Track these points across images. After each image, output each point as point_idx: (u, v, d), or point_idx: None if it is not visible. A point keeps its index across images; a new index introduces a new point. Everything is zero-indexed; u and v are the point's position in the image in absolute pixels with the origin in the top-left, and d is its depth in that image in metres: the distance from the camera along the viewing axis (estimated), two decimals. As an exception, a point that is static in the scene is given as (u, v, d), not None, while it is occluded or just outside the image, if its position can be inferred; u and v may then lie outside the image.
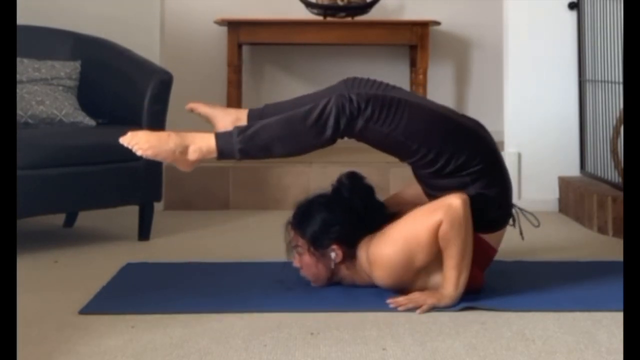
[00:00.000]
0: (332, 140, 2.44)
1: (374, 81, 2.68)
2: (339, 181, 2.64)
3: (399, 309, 2.40)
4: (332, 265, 2.56)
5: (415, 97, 2.67)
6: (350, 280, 2.61)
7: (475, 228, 2.47)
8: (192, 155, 2.46)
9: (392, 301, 2.43)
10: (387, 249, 2.45)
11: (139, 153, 2.42)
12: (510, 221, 2.63)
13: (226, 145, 2.45)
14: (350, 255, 2.56)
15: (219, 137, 2.46)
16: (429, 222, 2.41)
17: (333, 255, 2.55)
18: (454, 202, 2.40)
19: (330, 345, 2.12)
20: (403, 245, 2.43)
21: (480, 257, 2.54)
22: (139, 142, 2.42)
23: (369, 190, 2.65)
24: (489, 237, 2.57)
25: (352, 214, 2.57)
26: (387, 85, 2.67)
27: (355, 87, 2.63)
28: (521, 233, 2.71)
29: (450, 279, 2.42)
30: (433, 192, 2.53)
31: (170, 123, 3.51)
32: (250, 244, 3.36)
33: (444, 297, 2.41)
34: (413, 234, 2.43)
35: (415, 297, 2.43)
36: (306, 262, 2.59)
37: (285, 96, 3.06)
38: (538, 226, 2.73)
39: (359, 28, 5.20)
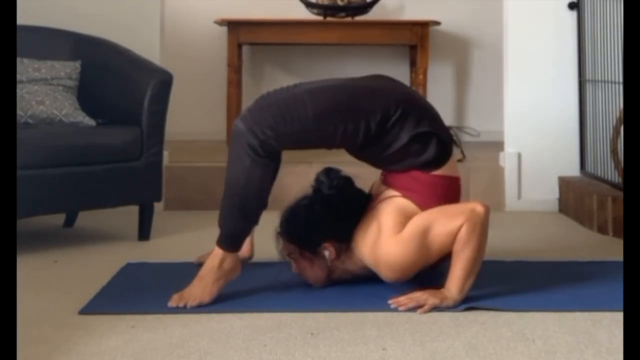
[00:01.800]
0: (263, 165, 2.46)
1: (275, 90, 2.65)
2: (317, 180, 2.64)
3: (400, 309, 2.40)
4: (328, 263, 2.56)
5: (314, 83, 2.65)
6: (350, 274, 2.61)
7: (429, 167, 2.51)
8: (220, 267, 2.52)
9: (393, 301, 2.43)
10: (398, 248, 2.45)
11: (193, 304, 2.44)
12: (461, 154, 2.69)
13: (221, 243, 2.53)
14: (343, 249, 2.56)
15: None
16: (450, 226, 2.42)
17: (327, 253, 2.55)
18: (477, 207, 2.43)
19: (330, 345, 2.12)
20: (418, 244, 2.44)
21: (449, 192, 2.58)
22: (187, 298, 2.44)
23: (347, 181, 2.64)
24: (445, 170, 2.57)
25: (335, 209, 2.57)
26: (289, 86, 2.65)
27: (256, 116, 2.56)
28: (462, 152, 2.74)
29: (456, 281, 2.42)
30: (387, 165, 2.57)
31: (170, 123, 3.51)
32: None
33: (446, 299, 2.42)
34: (431, 236, 2.44)
35: (416, 296, 2.43)
36: (302, 267, 2.60)
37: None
38: (478, 136, 2.76)
39: (359, 28, 5.20)
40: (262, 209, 2.56)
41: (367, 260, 2.53)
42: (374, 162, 2.64)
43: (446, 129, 2.64)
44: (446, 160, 2.59)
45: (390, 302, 2.43)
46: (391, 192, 2.59)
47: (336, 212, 2.57)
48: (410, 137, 2.51)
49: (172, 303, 2.43)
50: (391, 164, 2.59)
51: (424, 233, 2.45)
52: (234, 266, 2.52)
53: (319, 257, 2.57)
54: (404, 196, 2.56)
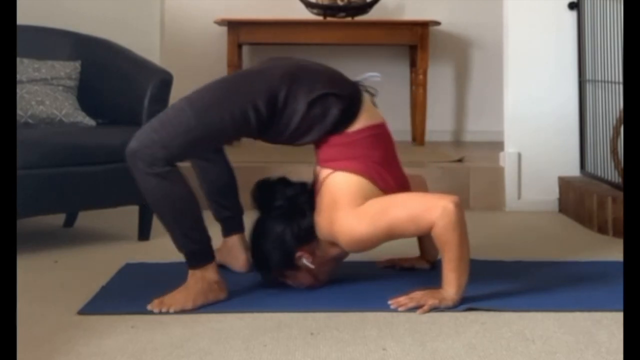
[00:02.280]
0: (170, 176, 2.44)
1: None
2: (254, 200, 2.61)
3: (400, 309, 2.40)
4: (312, 267, 2.55)
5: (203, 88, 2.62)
6: (338, 259, 2.62)
7: (341, 126, 2.50)
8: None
9: (393, 302, 2.43)
10: (362, 226, 2.42)
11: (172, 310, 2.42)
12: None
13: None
14: (315, 246, 2.54)
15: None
16: (421, 221, 2.39)
17: (304, 261, 2.54)
18: (448, 206, 2.38)
19: (330, 345, 2.12)
20: (384, 229, 2.41)
21: (378, 141, 2.55)
22: (169, 303, 2.43)
23: (280, 184, 2.61)
24: (363, 123, 2.54)
25: (286, 217, 2.54)
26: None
27: (138, 137, 2.52)
28: (373, 101, 2.68)
29: (451, 282, 2.42)
30: (299, 140, 2.55)
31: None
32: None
33: (445, 299, 2.41)
34: (399, 224, 2.40)
35: (417, 296, 2.43)
36: (294, 280, 2.60)
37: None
38: (379, 79, 2.71)
39: (359, 28, 5.20)
40: (200, 212, 2.52)
41: (329, 237, 2.51)
42: (286, 141, 2.58)
43: (347, 84, 2.58)
44: (356, 113, 2.54)
45: (390, 302, 2.43)
46: (325, 172, 2.54)
47: (290, 222, 2.53)
48: (307, 104, 2.47)
49: (152, 307, 2.40)
50: (302, 138, 2.53)
51: (392, 219, 2.40)
52: (217, 279, 2.49)
53: (302, 266, 2.56)
54: (337, 170, 2.51)
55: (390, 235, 2.44)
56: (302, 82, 2.50)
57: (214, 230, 2.74)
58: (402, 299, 2.43)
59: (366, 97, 2.63)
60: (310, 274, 2.58)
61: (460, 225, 2.41)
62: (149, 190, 2.46)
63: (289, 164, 4.09)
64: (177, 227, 2.49)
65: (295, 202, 2.56)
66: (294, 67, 2.57)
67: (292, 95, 2.48)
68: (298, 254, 2.53)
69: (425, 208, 2.40)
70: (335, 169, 2.52)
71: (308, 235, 2.54)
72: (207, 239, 2.53)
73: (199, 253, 2.50)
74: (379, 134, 2.59)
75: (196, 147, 2.52)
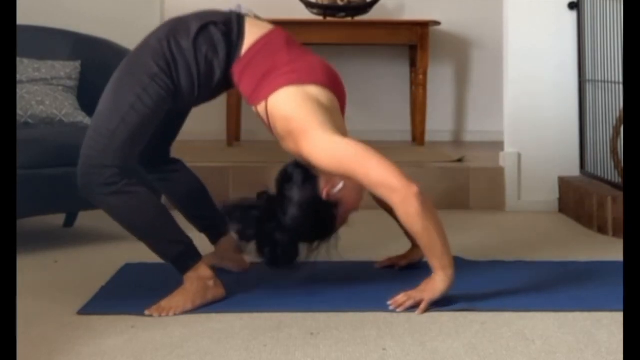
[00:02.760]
0: (127, 192, 2.43)
1: None
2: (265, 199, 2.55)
3: (398, 310, 2.39)
4: (342, 186, 2.47)
5: None
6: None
7: (235, 51, 2.48)
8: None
9: (392, 302, 2.42)
10: (325, 158, 2.37)
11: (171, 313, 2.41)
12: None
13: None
14: (323, 176, 2.46)
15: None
16: (381, 190, 2.37)
17: (335, 190, 2.46)
18: (411, 199, 2.33)
19: (330, 345, 2.12)
20: (346, 168, 2.37)
21: (276, 44, 2.53)
22: (168, 308, 2.41)
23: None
24: (253, 37, 2.52)
25: (277, 197, 2.49)
26: None
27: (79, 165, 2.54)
28: (256, 16, 2.65)
29: (436, 267, 2.40)
30: (212, 89, 2.54)
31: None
32: (249, 243, 3.35)
33: (437, 287, 2.39)
34: (365, 165, 2.36)
35: (412, 294, 2.42)
36: (344, 215, 2.52)
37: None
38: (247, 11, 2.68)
39: (359, 28, 5.20)
40: (170, 214, 2.50)
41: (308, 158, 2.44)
42: (208, 94, 2.57)
43: (218, 13, 2.56)
44: (240, 32, 2.52)
45: (389, 303, 2.42)
46: (261, 107, 2.50)
47: (287, 188, 2.47)
48: (192, 45, 2.46)
49: (150, 312, 2.39)
50: (212, 80, 2.50)
51: (357, 166, 2.36)
52: (211, 275, 2.48)
53: (338, 199, 2.47)
54: (267, 97, 2.47)
55: (356, 165, 2.37)
56: (178, 31, 2.50)
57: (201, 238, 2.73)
58: (400, 298, 2.42)
59: (247, 17, 2.60)
60: (347, 198, 2.49)
61: (424, 214, 2.35)
62: (114, 210, 2.46)
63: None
64: (154, 236, 2.49)
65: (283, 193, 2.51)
66: (163, 26, 2.57)
67: (176, 47, 2.46)
68: (324, 195, 2.45)
69: (391, 185, 2.35)
70: (265, 97, 2.47)
71: (310, 175, 2.46)
72: (188, 238, 2.51)
73: (185, 254, 2.48)
74: (273, 39, 2.56)
75: (134, 140, 2.45)
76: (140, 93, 2.43)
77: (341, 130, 2.47)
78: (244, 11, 2.64)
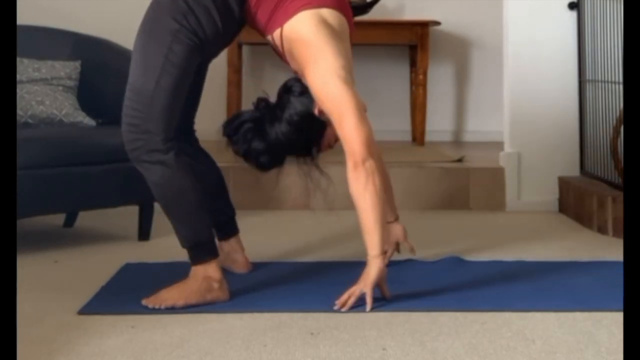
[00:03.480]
0: (174, 164, 2.44)
1: None
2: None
3: (343, 310, 2.38)
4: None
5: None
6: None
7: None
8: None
9: (338, 303, 2.41)
10: (319, 90, 2.43)
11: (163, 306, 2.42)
12: None
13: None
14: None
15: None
16: (346, 146, 2.40)
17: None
18: (361, 169, 2.38)
19: (330, 345, 2.12)
20: (329, 107, 2.42)
21: None
22: (162, 300, 2.42)
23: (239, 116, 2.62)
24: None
25: (275, 106, 2.55)
26: None
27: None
28: None
29: (367, 247, 2.41)
30: (233, 27, 2.56)
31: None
32: (250, 243, 3.35)
33: (370, 271, 2.40)
34: (338, 121, 2.41)
35: (352, 290, 2.42)
36: (328, 144, 2.59)
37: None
38: None
39: (359, 28, 5.16)
40: (205, 205, 2.52)
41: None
42: (231, 34, 2.59)
43: None
44: None
45: (336, 305, 2.40)
46: (276, 34, 2.53)
47: (285, 101, 2.54)
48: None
49: (147, 302, 2.41)
50: (232, 18, 2.52)
51: (342, 108, 2.40)
52: (219, 278, 2.48)
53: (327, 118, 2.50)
54: (283, 24, 2.50)
55: (338, 110, 2.41)
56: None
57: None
58: (344, 297, 2.41)
59: None
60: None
61: (365, 189, 2.38)
62: (155, 181, 2.47)
63: (289, 163, 4.08)
64: (182, 218, 2.49)
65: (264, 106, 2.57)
66: None
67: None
68: (316, 110, 2.51)
69: (353, 147, 2.38)
70: (280, 25, 2.51)
71: (308, 91, 2.50)
72: (212, 235, 2.54)
73: (203, 246, 2.49)
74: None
75: (173, 102, 2.46)
76: (167, 54, 2.44)
77: (346, 57, 2.51)
78: None
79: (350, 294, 2.41)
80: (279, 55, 2.61)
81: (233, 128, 2.56)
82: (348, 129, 2.40)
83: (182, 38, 2.44)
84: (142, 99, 2.43)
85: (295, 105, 2.52)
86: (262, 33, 2.61)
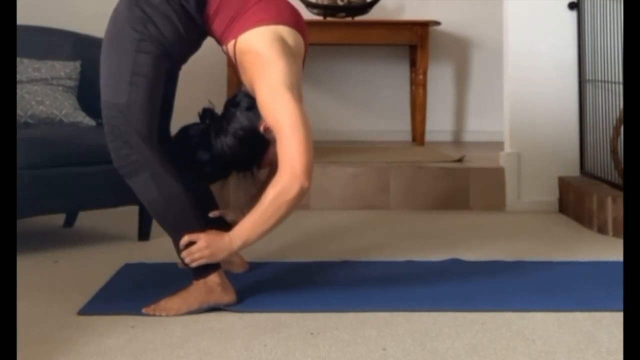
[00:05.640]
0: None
1: None
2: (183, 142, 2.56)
3: (193, 264, 2.39)
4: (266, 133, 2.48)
5: None
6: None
7: None
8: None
9: (185, 255, 2.41)
10: (265, 102, 2.38)
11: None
12: None
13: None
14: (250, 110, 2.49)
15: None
16: (284, 162, 2.33)
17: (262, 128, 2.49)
18: (295, 191, 2.31)
19: (330, 345, 2.12)
20: (272, 121, 2.37)
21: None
22: (163, 309, 2.40)
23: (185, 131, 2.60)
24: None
25: (221, 118, 2.53)
26: None
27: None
28: None
29: (237, 233, 2.38)
30: (195, 36, 2.56)
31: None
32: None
33: (223, 250, 2.39)
34: (280, 136, 2.35)
35: (193, 250, 2.40)
36: (268, 162, 2.55)
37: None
38: None
39: (359, 28, 5.20)
40: (199, 215, 2.47)
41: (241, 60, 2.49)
42: (194, 41, 2.58)
43: None
44: None
45: (186, 259, 2.40)
46: (230, 45, 2.52)
47: (230, 115, 2.51)
48: (162, 0, 2.45)
49: (147, 311, 2.39)
50: (194, 27, 2.51)
51: (286, 124, 2.34)
52: (220, 281, 2.45)
53: (274, 136, 2.45)
54: (238, 36, 2.48)
55: (282, 126, 2.35)
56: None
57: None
58: (193, 249, 2.40)
59: None
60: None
61: (284, 207, 2.33)
62: (146, 194, 2.45)
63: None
64: (179, 235, 2.45)
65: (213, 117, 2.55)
66: None
67: (147, 7, 2.45)
68: (261, 128, 2.48)
69: (293, 166, 2.31)
70: (235, 37, 2.50)
71: (255, 108, 2.46)
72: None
73: (205, 265, 2.43)
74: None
75: (149, 114, 2.44)
76: (133, 65, 2.42)
77: (297, 75, 2.49)
78: None
79: (197, 250, 2.39)
80: (232, 65, 2.58)
81: (180, 144, 2.53)
82: (288, 146, 2.32)
83: (145, 47, 2.43)
84: (117, 113, 2.42)
85: (241, 119, 2.49)
86: (218, 42, 2.60)
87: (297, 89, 2.43)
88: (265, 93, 2.39)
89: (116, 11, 2.54)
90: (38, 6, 4.02)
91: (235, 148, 2.49)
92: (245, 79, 2.52)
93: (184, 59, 2.63)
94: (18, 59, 3.48)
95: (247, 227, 2.37)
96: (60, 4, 4.11)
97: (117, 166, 2.48)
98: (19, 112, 3.37)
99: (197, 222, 2.46)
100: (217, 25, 2.52)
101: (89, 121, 3.47)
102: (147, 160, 2.43)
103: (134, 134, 2.42)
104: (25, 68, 3.50)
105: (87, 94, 3.59)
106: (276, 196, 2.31)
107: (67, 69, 3.58)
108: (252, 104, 2.49)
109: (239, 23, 2.50)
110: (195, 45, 2.63)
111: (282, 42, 2.48)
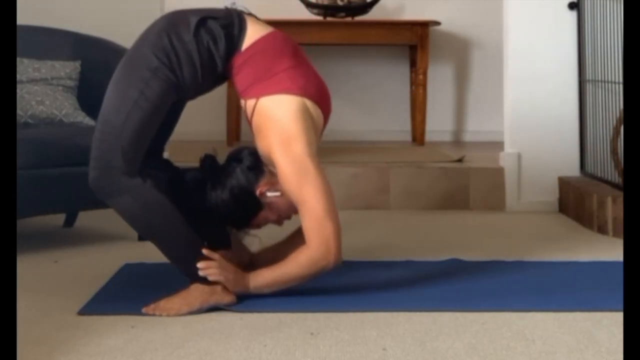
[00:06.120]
0: (142, 186, 2.40)
1: None
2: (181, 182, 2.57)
3: (210, 277, 2.39)
4: (279, 193, 2.48)
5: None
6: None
7: (234, 46, 2.49)
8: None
9: (202, 266, 2.40)
10: (289, 174, 2.40)
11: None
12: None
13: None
14: (270, 177, 2.49)
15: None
16: (315, 235, 2.38)
17: (270, 193, 2.49)
18: (328, 261, 2.39)
19: (330, 345, 2.12)
20: (297, 195, 2.39)
21: (277, 47, 2.54)
22: (163, 309, 2.40)
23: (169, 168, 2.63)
24: (254, 35, 2.53)
25: (221, 172, 2.51)
26: None
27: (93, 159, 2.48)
28: (252, 14, 2.65)
29: (263, 280, 2.42)
30: (214, 77, 2.54)
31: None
32: (249, 243, 3.35)
33: (243, 283, 2.42)
34: (309, 209, 2.38)
35: (223, 270, 2.41)
36: (269, 219, 2.56)
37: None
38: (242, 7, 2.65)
39: (359, 28, 5.20)
40: (184, 224, 2.45)
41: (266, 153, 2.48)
42: (208, 85, 2.57)
43: (218, 10, 2.56)
44: (242, 27, 2.52)
45: (201, 268, 2.39)
46: (250, 103, 2.51)
47: (231, 171, 2.50)
48: (193, 37, 2.45)
49: (147, 310, 2.38)
50: (213, 72, 2.51)
51: (315, 196, 2.38)
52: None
53: (269, 202, 2.50)
54: (260, 97, 2.48)
55: (298, 204, 2.40)
56: (177, 25, 2.48)
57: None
58: (213, 264, 2.40)
59: (246, 14, 2.60)
60: (282, 204, 2.51)
61: (318, 271, 2.41)
62: (128, 213, 2.43)
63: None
64: (169, 245, 2.45)
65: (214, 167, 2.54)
66: (163, 19, 2.56)
67: (177, 40, 2.45)
68: (258, 191, 2.49)
69: (328, 243, 2.38)
70: (257, 96, 2.49)
71: (258, 169, 2.49)
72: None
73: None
74: (276, 41, 2.57)
75: (141, 137, 2.43)
76: (143, 88, 2.42)
77: (317, 148, 2.50)
78: (239, 8, 2.64)
79: (221, 272, 2.40)
80: (247, 120, 2.57)
81: (175, 188, 2.52)
82: (327, 225, 2.38)
83: (160, 75, 2.43)
84: (109, 130, 2.41)
85: (240, 177, 2.48)
86: (238, 94, 2.59)
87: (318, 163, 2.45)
88: (291, 166, 2.40)
89: (144, 37, 2.53)
90: (38, 6, 4.02)
91: (228, 204, 2.48)
92: (260, 141, 2.49)
93: (192, 97, 2.62)
94: (18, 59, 3.48)
95: (267, 277, 2.43)
96: (60, 4, 4.11)
97: (94, 186, 2.44)
98: (19, 112, 3.37)
99: (184, 228, 2.44)
100: (241, 78, 2.52)
101: (89, 121, 3.47)
102: (126, 180, 2.40)
103: (117, 158, 2.38)
104: (25, 68, 3.50)
105: (87, 94, 3.58)
106: (305, 264, 2.39)
107: (67, 69, 3.57)
108: (254, 164, 2.50)
109: (263, 84, 2.49)
110: (208, 89, 2.62)
111: (306, 113, 2.48)
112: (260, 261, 2.62)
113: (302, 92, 2.50)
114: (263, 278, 2.43)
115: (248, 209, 2.51)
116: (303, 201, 2.39)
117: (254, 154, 2.52)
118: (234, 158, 2.55)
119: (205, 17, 2.50)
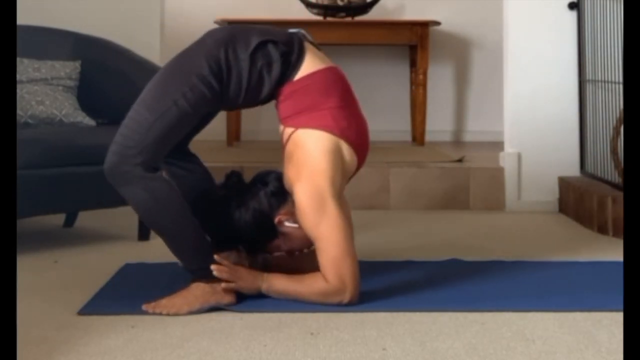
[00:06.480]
0: (156, 181, 2.41)
1: None
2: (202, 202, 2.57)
3: (216, 273, 2.39)
4: (296, 225, 2.47)
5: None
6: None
7: (288, 74, 2.49)
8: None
9: (215, 268, 2.40)
10: (308, 210, 2.39)
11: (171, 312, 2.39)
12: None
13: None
14: (291, 206, 2.48)
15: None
16: (332, 272, 2.38)
17: (288, 223, 2.49)
18: (344, 297, 2.39)
19: (330, 345, 2.12)
20: (315, 232, 2.39)
21: (331, 84, 2.54)
22: (164, 307, 2.40)
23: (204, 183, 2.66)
24: (310, 67, 2.53)
25: (246, 191, 2.51)
26: None
27: (112, 150, 2.49)
28: (314, 43, 2.66)
29: (278, 286, 2.43)
30: (258, 97, 2.53)
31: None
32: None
33: (256, 284, 2.43)
34: (326, 250, 2.38)
35: (237, 273, 2.42)
36: (276, 251, 2.56)
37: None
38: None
39: (359, 28, 5.20)
40: (194, 223, 2.45)
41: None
42: (247, 103, 2.57)
43: (281, 33, 2.56)
44: (300, 56, 2.53)
45: (213, 268, 2.39)
46: (288, 131, 2.52)
47: (254, 194, 2.50)
48: (249, 57, 2.45)
49: (147, 308, 2.38)
50: (258, 94, 2.50)
51: (331, 233, 2.38)
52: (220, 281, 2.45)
53: (285, 232, 2.50)
54: (299, 127, 2.49)
55: (314, 239, 2.41)
56: (237, 41, 2.48)
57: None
58: (225, 265, 2.42)
59: (309, 44, 2.61)
60: (291, 239, 2.52)
61: (329, 301, 2.40)
62: (138, 203, 2.43)
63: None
64: (176, 240, 2.45)
65: (241, 185, 2.54)
66: (225, 31, 2.57)
67: (232, 55, 2.45)
68: (277, 219, 2.49)
69: (344, 281, 2.38)
70: (297, 126, 2.49)
71: (281, 196, 2.49)
72: (210, 249, 2.48)
73: (205, 269, 2.42)
74: (331, 77, 2.56)
75: (166, 139, 2.44)
76: (185, 91, 2.42)
77: (341, 191, 2.52)
78: (302, 32, 2.64)
79: (234, 271, 2.41)
80: (282, 145, 2.57)
81: (202, 209, 2.52)
82: (345, 264, 2.38)
83: (206, 84, 2.42)
84: (142, 123, 2.41)
85: (262, 201, 2.48)
86: (279, 119, 2.58)
87: (340, 205, 2.44)
88: (310, 200, 2.40)
89: (202, 42, 2.53)
90: (38, 6, 4.02)
91: (248, 226, 2.49)
92: (288, 170, 2.50)
93: (224, 109, 2.63)
94: (18, 59, 3.48)
95: (280, 288, 2.44)
96: (60, 4, 4.11)
97: (110, 174, 2.44)
98: (19, 112, 3.37)
99: (193, 224, 2.44)
100: (286, 106, 2.52)
101: (88, 121, 3.47)
102: (141, 173, 2.40)
103: (140, 154, 2.39)
104: (25, 68, 3.50)
105: (87, 94, 3.58)
106: (320, 293, 2.40)
107: (67, 69, 3.57)
108: (278, 190, 2.50)
109: (306, 117, 2.50)
110: (241, 107, 2.63)
111: (338, 154, 2.48)
112: (275, 259, 2.61)
113: (340, 134, 2.49)
114: (275, 289, 2.44)
115: (264, 233, 2.51)
116: (319, 238, 2.40)
117: (279, 179, 2.52)
118: (260, 180, 2.54)
119: (266, 41, 2.49)
